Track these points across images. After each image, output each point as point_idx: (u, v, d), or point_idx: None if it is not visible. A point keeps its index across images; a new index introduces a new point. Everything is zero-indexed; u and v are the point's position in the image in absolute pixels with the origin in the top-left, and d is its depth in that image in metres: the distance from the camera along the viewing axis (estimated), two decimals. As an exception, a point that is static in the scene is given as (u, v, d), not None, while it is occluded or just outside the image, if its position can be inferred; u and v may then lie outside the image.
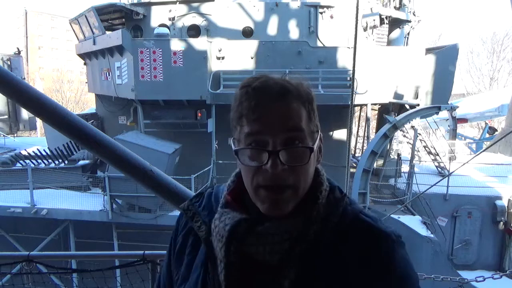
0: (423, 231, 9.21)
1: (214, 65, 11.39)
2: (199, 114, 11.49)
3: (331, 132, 12.64)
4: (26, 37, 52.22)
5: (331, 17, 12.25)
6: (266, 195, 0.82)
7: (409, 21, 13.95)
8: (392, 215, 8.41)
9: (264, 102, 0.82)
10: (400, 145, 16.00)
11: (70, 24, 13.52)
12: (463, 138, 21.57)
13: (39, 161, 12.22)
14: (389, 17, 13.08)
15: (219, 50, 11.35)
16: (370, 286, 0.84)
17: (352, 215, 0.90)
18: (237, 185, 0.96)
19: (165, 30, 11.27)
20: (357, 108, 16.07)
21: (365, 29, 12.60)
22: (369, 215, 0.92)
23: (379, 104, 13.22)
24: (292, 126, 0.82)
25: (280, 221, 0.84)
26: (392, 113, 12.38)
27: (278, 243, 0.83)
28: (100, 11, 11.79)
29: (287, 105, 0.83)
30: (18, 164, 12.42)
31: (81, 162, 11.66)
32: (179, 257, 1.02)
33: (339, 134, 12.65)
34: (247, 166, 0.84)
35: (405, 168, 11.90)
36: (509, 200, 10.66)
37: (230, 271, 0.86)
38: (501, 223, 10.68)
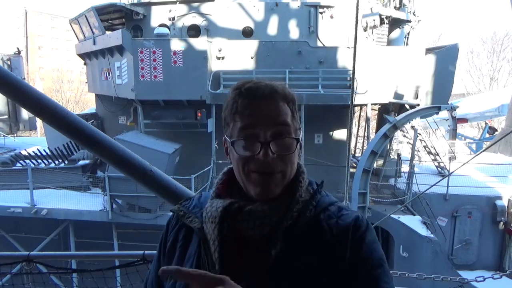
0: (423, 231, 9.21)
1: (214, 65, 11.39)
2: (199, 114, 11.49)
3: (331, 132, 12.64)
4: (26, 37, 52.28)
5: (331, 17, 12.24)
6: (258, 180, 0.94)
7: (409, 21, 13.95)
8: (392, 215, 8.42)
9: (256, 100, 0.94)
10: (400, 145, 16.01)
11: (70, 24, 13.52)
12: (463, 138, 21.58)
13: (39, 161, 12.22)
14: (389, 17, 13.08)
15: (219, 50, 11.35)
16: (343, 256, 0.95)
17: (328, 202, 1.03)
18: (226, 180, 1.08)
19: (165, 30, 11.27)
20: (357, 108, 16.08)
21: (365, 29, 12.60)
22: (340, 203, 1.06)
23: (379, 104, 13.22)
24: (281, 121, 0.94)
25: (267, 202, 0.96)
26: (392, 113, 12.37)
27: (267, 217, 0.94)
28: (100, 11, 11.79)
29: (275, 103, 0.95)
30: (18, 164, 12.42)
31: (81, 162, 11.66)
32: (171, 253, 1.08)
33: (339, 134, 12.65)
34: (241, 156, 0.94)
35: (405, 168, 11.90)
36: (509, 200, 10.66)
37: (224, 247, 0.96)
38: (501, 223, 10.69)
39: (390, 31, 13.85)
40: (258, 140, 0.92)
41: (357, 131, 17.52)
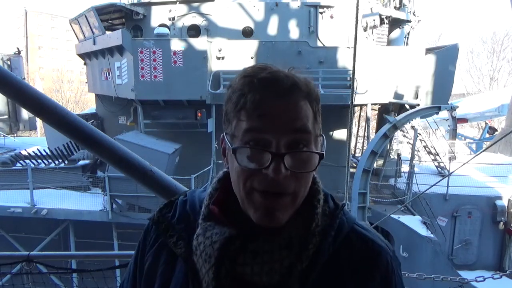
0: (423, 231, 9.21)
1: (214, 65, 11.38)
2: (199, 114, 11.49)
3: (331, 132, 12.65)
4: (26, 37, 52.28)
5: (331, 17, 12.24)
6: (261, 202, 0.73)
7: (409, 21, 13.95)
8: (392, 215, 8.41)
9: (271, 96, 0.73)
10: (400, 145, 16.01)
11: (70, 24, 13.52)
12: (463, 138, 21.58)
13: (39, 161, 12.22)
14: (389, 17, 13.07)
15: (219, 50, 11.35)
16: None
17: (348, 227, 0.84)
18: (220, 193, 0.86)
19: (165, 30, 11.27)
20: (357, 108, 16.07)
21: (365, 29, 12.60)
22: (362, 226, 0.88)
23: (379, 104, 13.22)
24: (299, 127, 0.73)
25: (277, 235, 0.76)
26: (392, 113, 12.37)
27: (277, 261, 0.75)
28: (100, 11, 11.79)
29: (296, 103, 0.74)
30: (18, 164, 12.41)
31: (81, 162, 11.66)
32: (149, 279, 0.87)
33: (339, 134, 12.65)
34: (243, 168, 0.73)
35: (405, 168, 11.90)
36: (509, 200, 10.66)
37: None
38: (501, 223, 10.69)
39: (390, 31, 13.84)
40: (268, 150, 0.71)
41: (357, 131, 17.52)
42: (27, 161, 12.34)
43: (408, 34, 14.23)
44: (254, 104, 0.72)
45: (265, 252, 0.75)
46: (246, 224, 0.77)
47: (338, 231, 0.82)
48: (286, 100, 0.73)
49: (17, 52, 16.81)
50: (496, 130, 20.97)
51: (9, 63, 15.86)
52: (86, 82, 16.07)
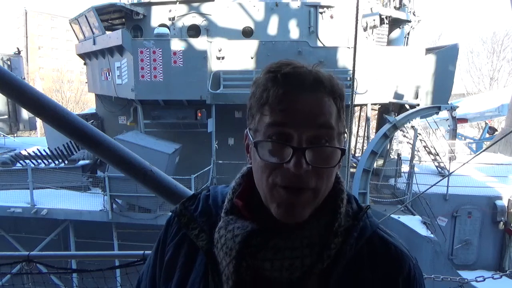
0: (423, 231, 9.20)
1: (214, 65, 11.39)
2: (199, 114, 11.49)
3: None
4: (26, 37, 52.24)
5: (331, 17, 12.25)
6: (283, 197, 0.73)
7: (409, 21, 13.95)
8: (392, 215, 8.41)
9: (294, 91, 0.74)
10: (400, 145, 16.01)
11: (70, 24, 13.52)
12: (463, 138, 21.58)
13: (39, 161, 12.22)
14: (389, 17, 13.08)
15: (219, 50, 11.35)
16: None
17: (371, 230, 0.84)
18: (244, 189, 0.87)
19: (165, 30, 11.27)
20: (357, 108, 16.08)
21: (365, 29, 12.60)
22: (385, 231, 0.87)
23: (379, 104, 13.22)
24: (322, 122, 0.74)
25: (299, 232, 0.77)
26: (392, 113, 12.37)
27: (298, 257, 0.75)
28: (100, 11, 11.79)
29: (319, 98, 0.75)
30: (18, 164, 12.41)
31: (81, 162, 11.66)
32: (169, 271, 0.87)
33: (339, 134, 12.61)
34: (265, 162, 0.73)
35: (405, 168, 11.90)
36: (509, 200, 10.67)
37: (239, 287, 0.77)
38: (501, 223, 10.69)
39: (390, 31, 13.84)
40: (290, 144, 0.72)
41: (357, 131, 17.52)
42: (27, 161, 12.34)
43: (408, 34, 14.23)
44: (277, 98, 0.73)
45: (286, 249, 0.76)
46: (268, 220, 0.78)
47: (360, 234, 0.82)
48: (309, 95, 0.74)
49: (17, 52, 16.82)
50: (496, 130, 20.97)
51: (9, 63, 15.87)
52: (86, 82, 16.08)
